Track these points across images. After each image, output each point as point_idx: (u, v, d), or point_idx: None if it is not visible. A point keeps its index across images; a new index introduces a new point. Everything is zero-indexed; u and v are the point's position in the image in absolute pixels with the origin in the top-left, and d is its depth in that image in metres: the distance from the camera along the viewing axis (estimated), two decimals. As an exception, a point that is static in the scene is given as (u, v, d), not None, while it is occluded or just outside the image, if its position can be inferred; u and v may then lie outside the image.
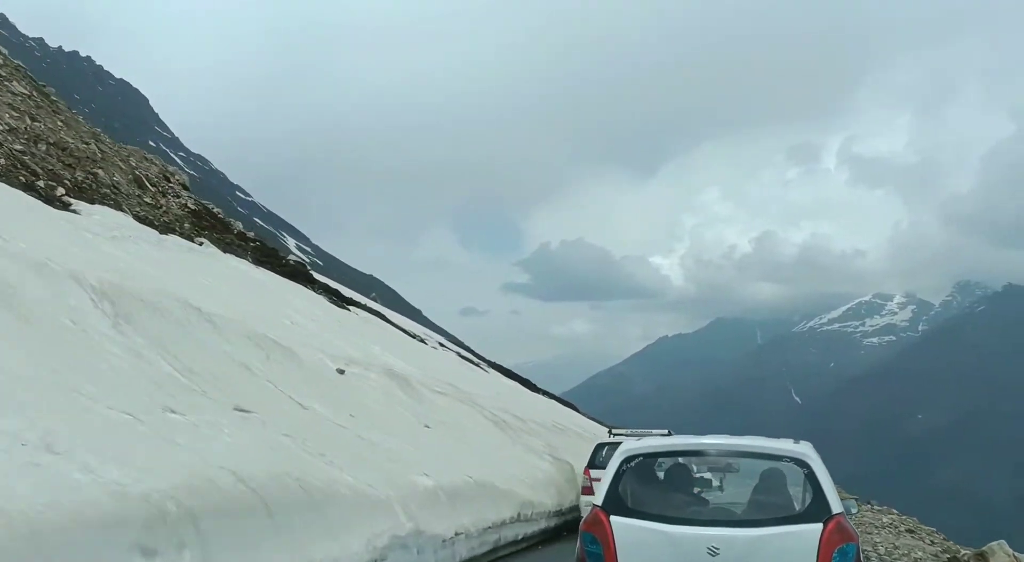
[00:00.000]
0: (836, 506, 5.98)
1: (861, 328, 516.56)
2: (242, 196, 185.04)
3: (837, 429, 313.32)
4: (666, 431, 14.30)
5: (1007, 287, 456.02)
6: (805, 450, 6.31)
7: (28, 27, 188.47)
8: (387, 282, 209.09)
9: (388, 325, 29.46)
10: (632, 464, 6.46)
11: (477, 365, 37.77)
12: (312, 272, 34.13)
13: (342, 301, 27.84)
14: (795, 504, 6.34)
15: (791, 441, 6.52)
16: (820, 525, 5.83)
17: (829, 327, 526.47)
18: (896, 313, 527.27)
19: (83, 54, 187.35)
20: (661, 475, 6.78)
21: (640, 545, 6.02)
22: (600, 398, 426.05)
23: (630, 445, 6.65)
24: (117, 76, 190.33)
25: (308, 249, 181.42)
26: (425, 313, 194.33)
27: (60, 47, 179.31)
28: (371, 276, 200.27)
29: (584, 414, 47.15)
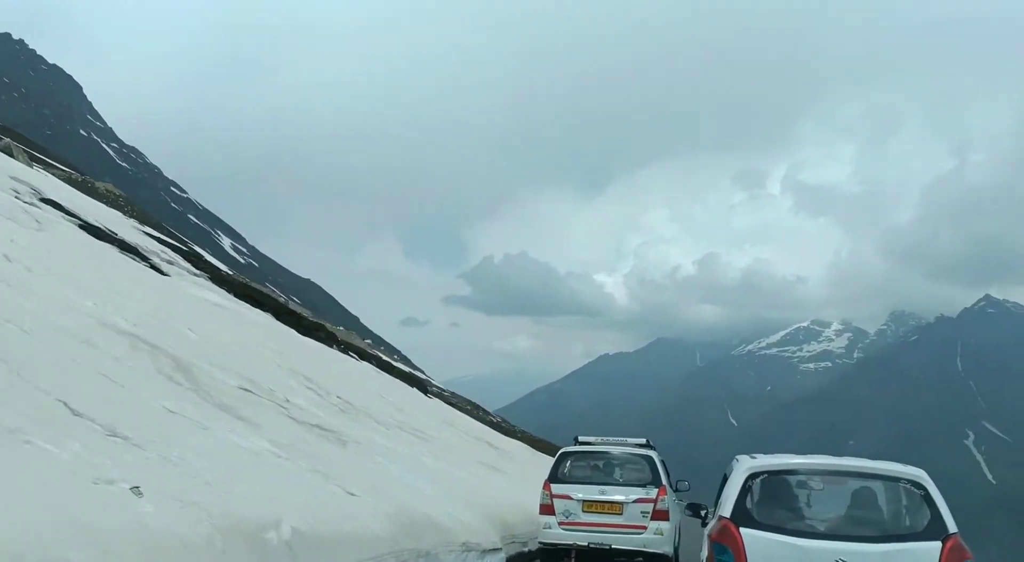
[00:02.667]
0: (952, 526, 6.46)
1: (798, 353, 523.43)
2: (177, 192, 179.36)
3: (771, 451, 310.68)
4: (644, 440, 14.29)
5: (939, 319, 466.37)
6: (920, 473, 6.89)
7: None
8: (325, 288, 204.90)
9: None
10: (757, 480, 6.93)
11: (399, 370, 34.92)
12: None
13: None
14: (906, 521, 6.82)
15: (899, 464, 7.13)
16: (940, 543, 6.28)
17: (767, 351, 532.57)
18: (833, 340, 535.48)
19: (16, 36, 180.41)
20: (779, 492, 7.06)
21: (770, 556, 6.40)
22: (538, 414, 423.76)
23: (754, 463, 7.14)
24: (50, 61, 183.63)
25: (244, 249, 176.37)
26: (363, 320, 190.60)
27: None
28: (308, 280, 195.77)
29: (506, 427, 44.13)
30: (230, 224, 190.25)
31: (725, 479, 7.55)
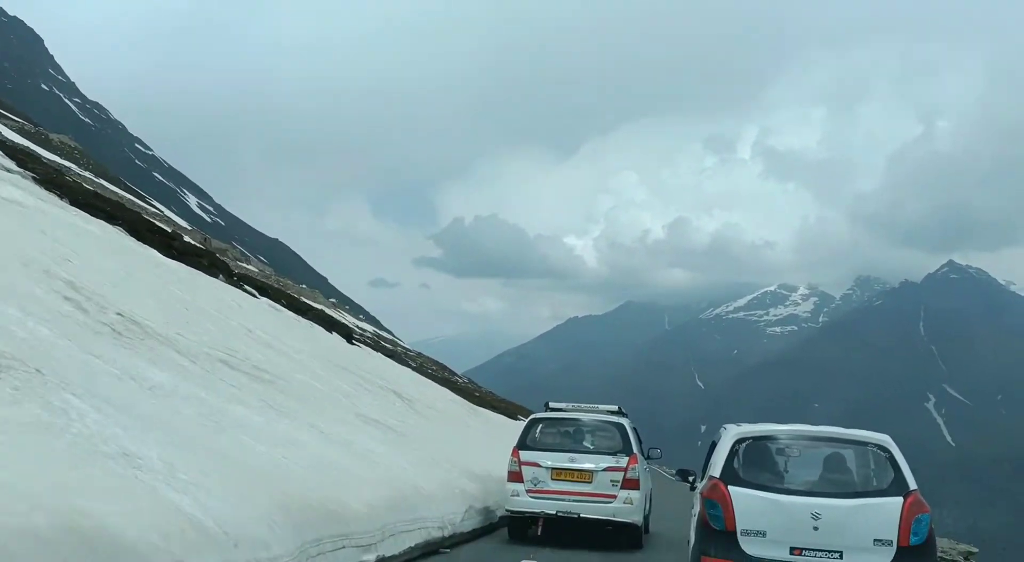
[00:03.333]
0: (912, 483, 7.42)
1: (765, 317, 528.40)
2: (141, 149, 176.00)
3: (737, 415, 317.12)
4: (616, 407, 14.14)
5: (903, 284, 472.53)
6: (885, 438, 7.81)
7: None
8: (294, 248, 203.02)
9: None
10: (743, 445, 7.87)
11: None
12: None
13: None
14: (872, 480, 7.70)
15: (868, 431, 8.03)
16: (901, 498, 7.24)
17: (735, 315, 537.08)
18: (799, 304, 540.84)
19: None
20: (762, 455, 7.93)
21: (754, 510, 7.36)
22: (505, 377, 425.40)
23: (740, 430, 8.09)
24: (10, 13, 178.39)
25: (210, 208, 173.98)
26: (331, 281, 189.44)
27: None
28: (275, 240, 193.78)
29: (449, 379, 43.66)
30: (196, 183, 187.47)
31: (714, 445, 8.42)
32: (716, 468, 7.80)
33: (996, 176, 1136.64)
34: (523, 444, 13.05)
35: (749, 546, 7.31)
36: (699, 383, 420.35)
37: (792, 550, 7.24)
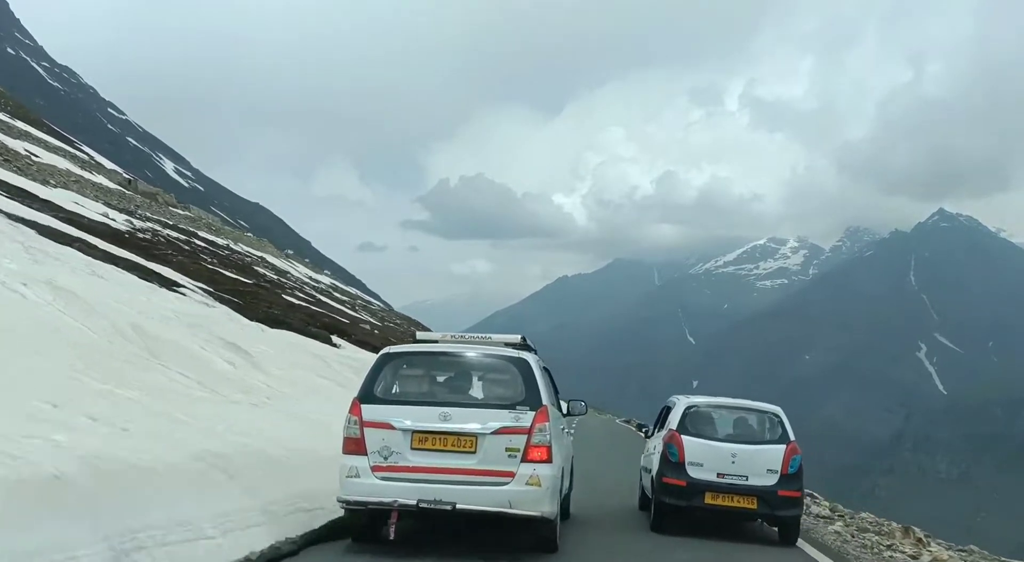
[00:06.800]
0: (791, 436, 11.20)
1: (755, 271, 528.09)
2: (114, 114, 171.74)
3: (728, 368, 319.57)
4: (518, 337, 9.43)
5: (893, 233, 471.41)
6: (777, 409, 11.82)
7: None
8: (276, 212, 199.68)
9: None
10: (691, 410, 11.47)
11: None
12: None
13: None
14: (767, 435, 11.35)
15: (766, 403, 12.02)
16: (784, 446, 10.98)
17: (724, 269, 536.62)
18: (789, 257, 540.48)
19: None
20: (702, 417, 11.58)
21: (696, 450, 10.92)
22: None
23: (688, 400, 11.79)
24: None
25: (188, 173, 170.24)
26: (315, 245, 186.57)
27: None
28: (256, 204, 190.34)
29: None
30: (174, 148, 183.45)
31: (667, 409, 12.24)
32: (673, 424, 11.38)
33: (986, 119, 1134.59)
34: (368, 394, 8.28)
35: (692, 471, 10.86)
36: (690, 338, 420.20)
37: (718, 475, 10.79)
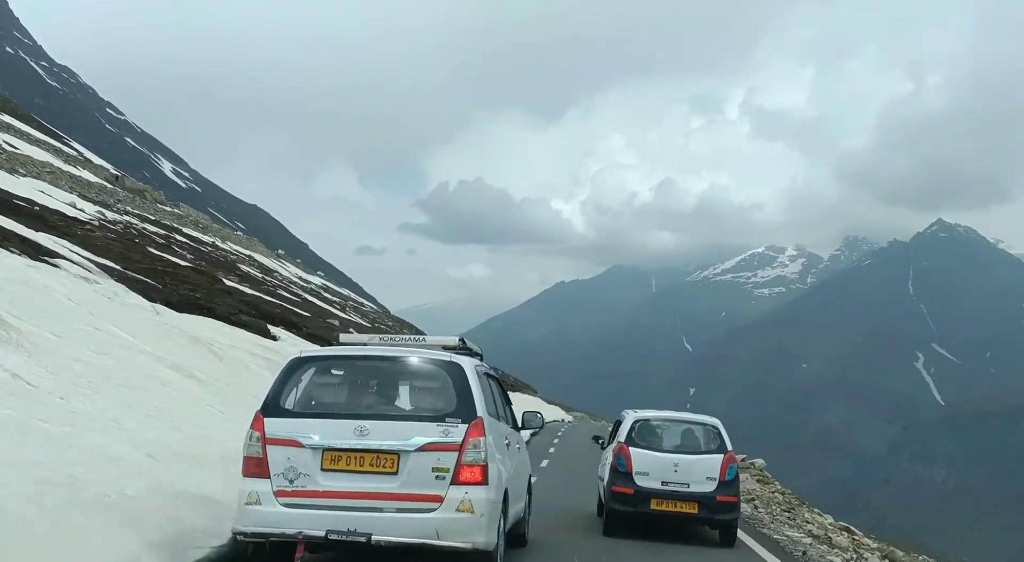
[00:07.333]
0: (729, 446, 12.01)
1: (753, 279, 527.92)
2: (113, 114, 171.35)
3: (725, 376, 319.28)
4: (455, 339, 8.18)
5: (892, 243, 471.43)
6: (716, 421, 12.69)
7: None
8: (274, 214, 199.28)
9: None
10: (639, 424, 12.32)
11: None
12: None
13: None
14: (709, 445, 12.15)
15: (706, 416, 12.99)
16: (722, 455, 11.72)
17: (722, 277, 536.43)
18: (787, 265, 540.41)
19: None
20: (649, 429, 12.42)
21: (642, 460, 11.76)
22: (494, 342, 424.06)
23: (636, 415, 12.68)
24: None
25: (185, 174, 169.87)
26: (312, 247, 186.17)
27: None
28: (254, 206, 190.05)
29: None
30: (172, 148, 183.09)
31: (618, 424, 13.03)
32: (622, 437, 12.18)
33: (985, 131, 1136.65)
34: (273, 406, 6.99)
35: (639, 480, 11.63)
36: (687, 346, 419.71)
37: (662, 483, 11.57)
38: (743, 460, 24.84)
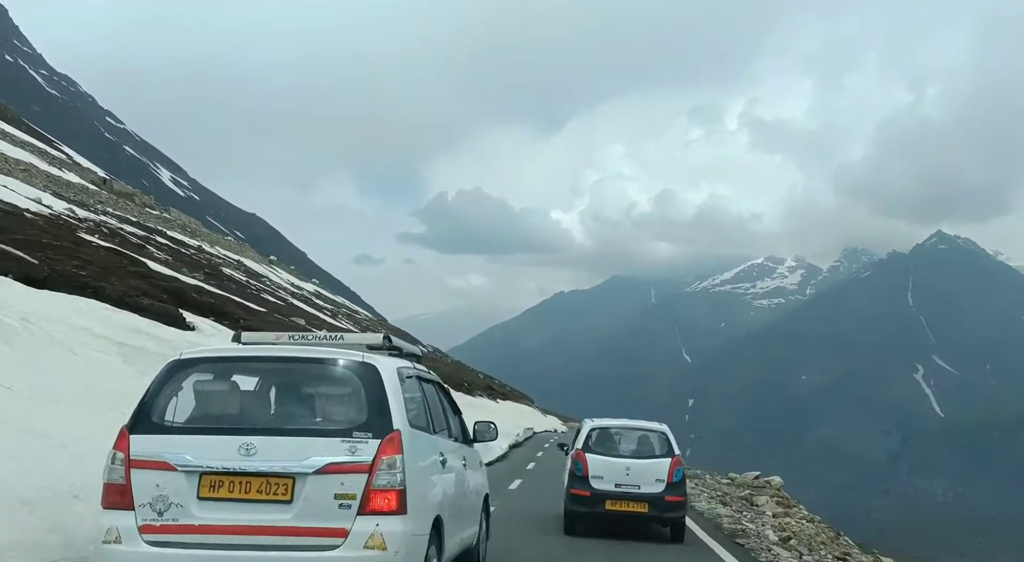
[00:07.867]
0: (677, 450, 12.93)
1: (752, 290, 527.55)
2: (112, 122, 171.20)
3: (724, 387, 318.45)
4: (379, 337, 6.71)
5: (891, 255, 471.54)
6: (664, 427, 13.66)
7: None
8: (272, 223, 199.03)
9: None
10: (595, 431, 13.17)
11: None
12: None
13: None
14: (657, 449, 12.97)
15: (656, 422, 13.94)
16: (669, 459, 12.59)
17: (721, 288, 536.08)
18: (786, 276, 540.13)
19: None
20: (604, 436, 13.30)
21: (598, 465, 12.60)
22: (493, 351, 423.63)
23: (593, 423, 13.53)
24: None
25: (184, 183, 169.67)
26: (310, 256, 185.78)
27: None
28: (252, 214, 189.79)
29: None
30: (171, 157, 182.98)
31: (578, 432, 13.73)
32: (580, 443, 12.99)
33: (985, 143, 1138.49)
34: (143, 419, 5.61)
35: (595, 483, 12.49)
36: (686, 356, 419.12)
37: (615, 485, 12.45)
38: (756, 478, 24.08)
